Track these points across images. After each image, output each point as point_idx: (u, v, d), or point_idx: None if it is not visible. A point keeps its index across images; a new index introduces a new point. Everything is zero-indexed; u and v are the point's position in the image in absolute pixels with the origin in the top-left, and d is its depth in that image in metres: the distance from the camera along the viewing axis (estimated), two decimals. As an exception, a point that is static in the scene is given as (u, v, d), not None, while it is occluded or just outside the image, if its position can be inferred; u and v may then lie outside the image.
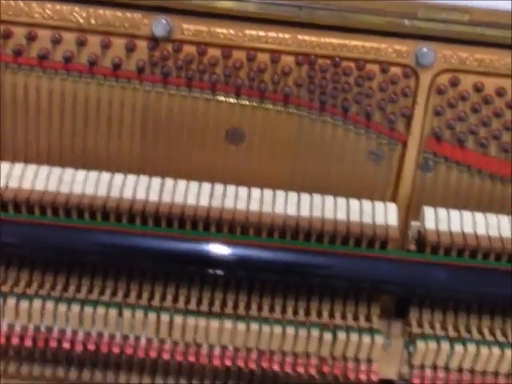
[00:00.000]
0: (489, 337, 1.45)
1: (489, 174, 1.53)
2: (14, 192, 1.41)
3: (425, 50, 1.45)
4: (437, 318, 1.46)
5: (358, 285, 1.39)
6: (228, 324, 1.39)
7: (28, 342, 1.38)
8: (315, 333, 1.40)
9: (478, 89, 1.47)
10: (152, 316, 1.39)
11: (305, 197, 1.43)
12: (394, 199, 1.52)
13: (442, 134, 1.50)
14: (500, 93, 1.47)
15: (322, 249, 1.39)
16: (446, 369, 1.44)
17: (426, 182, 1.53)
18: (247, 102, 1.49)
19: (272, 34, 1.45)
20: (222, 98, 1.49)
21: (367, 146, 1.51)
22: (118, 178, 1.42)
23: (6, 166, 1.42)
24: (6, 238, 1.33)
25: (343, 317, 1.45)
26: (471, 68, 1.47)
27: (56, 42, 1.43)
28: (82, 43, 1.44)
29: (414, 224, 1.49)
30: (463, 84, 1.48)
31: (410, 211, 1.53)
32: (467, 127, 1.49)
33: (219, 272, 1.37)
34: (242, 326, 1.39)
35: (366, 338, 1.39)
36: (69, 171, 1.43)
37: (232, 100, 1.49)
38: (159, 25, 1.42)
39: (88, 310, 1.38)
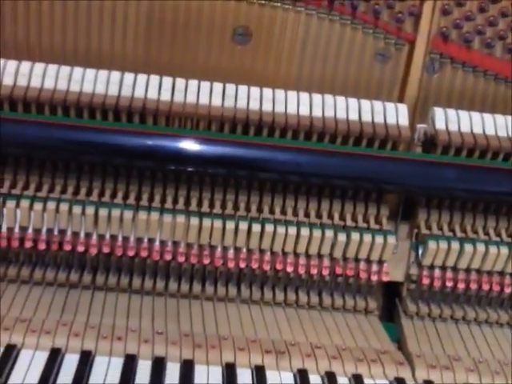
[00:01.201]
0: (495, 237, 1.44)
1: (494, 75, 1.50)
2: (23, 90, 1.34)
3: None
4: (444, 220, 1.45)
5: (374, 185, 1.37)
6: (243, 226, 1.35)
7: (42, 246, 1.32)
8: (329, 233, 1.38)
9: (485, -12, 1.44)
10: (167, 218, 1.36)
11: (317, 97, 1.39)
12: (400, 101, 1.50)
13: (449, 34, 1.47)
14: (507, -8, 1.44)
15: (333, 149, 1.36)
16: (455, 269, 1.43)
17: (432, 84, 1.51)
18: (254, 0, 1.42)
19: None
20: (229, -4, 1.42)
21: (375, 47, 1.48)
22: (129, 77, 1.36)
23: (12, 63, 1.35)
24: (14, 137, 1.26)
25: (354, 219, 1.42)
26: (480, -34, 1.43)
27: None
28: None
29: (420, 126, 1.47)
30: (471, -17, 1.44)
31: (416, 113, 1.50)
32: (474, 27, 1.47)
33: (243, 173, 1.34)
34: (256, 226, 1.37)
35: (379, 239, 1.40)
36: (78, 70, 1.38)
37: (239, -3, 1.42)
38: None
39: (103, 212, 1.34)
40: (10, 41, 1.43)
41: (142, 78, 1.37)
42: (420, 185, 1.37)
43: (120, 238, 1.36)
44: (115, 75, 1.37)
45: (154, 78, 1.37)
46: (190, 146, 1.31)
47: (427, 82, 1.52)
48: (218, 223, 1.36)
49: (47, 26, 1.43)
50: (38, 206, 1.33)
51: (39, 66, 1.36)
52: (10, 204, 1.33)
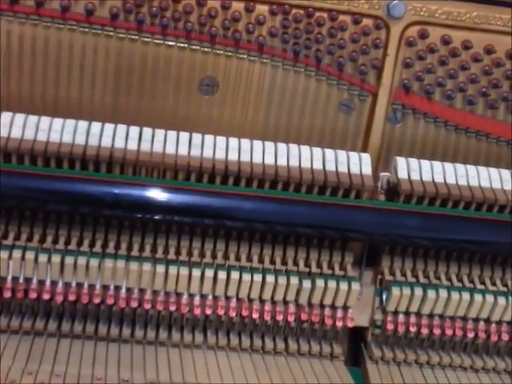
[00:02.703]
0: (457, 283, 1.47)
1: (454, 125, 1.54)
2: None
3: (396, 1, 1.46)
4: (407, 266, 1.48)
5: (339, 233, 1.40)
6: (209, 273, 1.38)
7: (7, 294, 1.33)
8: (294, 280, 1.40)
9: (445, 41, 1.50)
10: (133, 265, 1.38)
11: (282, 146, 1.43)
12: (364, 150, 1.54)
13: (411, 86, 1.52)
14: (466, 46, 1.51)
15: (298, 198, 1.39)
16: (418, 314, 1.46)
17: (395, 134, 1.55)
18: (221, 51, 1.46)
19: (247, -17, 1.42)
20: (196, 47, 1.46)
21: (339, 97, 1.52)
22: (96, 126, 1.38)
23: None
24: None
25: (319, 265, 1.44)
26: (439, 21, 1.49)
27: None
28: (54, -12, 1.38)
29: (383, 175, 1.51)
30: (432, 36, 1.50)
31: (379, 162, 1.54)
32: (435, 79, 1.51)
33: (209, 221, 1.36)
34: (222, 274, 1.38)
35: (344, 285, 1.42)
36: (45, 119, 1.40)
37: (206, 49, 1.46)
38: (134, -30, 1.38)
39: (69, 260, 1.36)
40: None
41: (108, 127, 1.39)
42: (383, 233, 1.41)
43: (86, 286, 1.36)
44: (82, 124, 1.38)
45: (121, 128, 1.39)
46: (156, 194, 1.33)
47: (390, 131, 1.55)
48: (184, 271, 1.37)
49: (16, 76, 1.43)
50: (3, 254, 1.33)
51: (6, 116, 1.37)
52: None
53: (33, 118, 1.37)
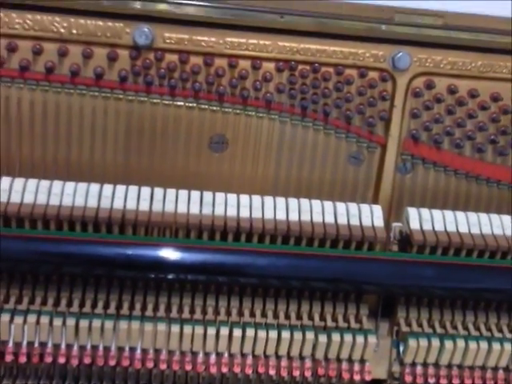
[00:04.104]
0: (474, 332, 1.47)
1: (464, 173, 1.54)
2: (2, 206, 1.37)
3: (401, 53, 1.47)
4: (423, 316, 1.48)
5: (354, 286, 1.40)
6: (224, 331, 1.37)
7: (23, 359, 1.33)
8: (310, 335, 1.40)
9: (451, 91, 1.51)
10: (148, 326, 1.38)
11: (293, 201, 1.43)
12: (375, 201, 1.54)
13: (419, 136, 1.52)
14: (472, 94, 1.51)
15: (311, 252, 1.39)
16: (436, 365, 1.45)
17: (405, 184, 1.55)
18: (230, 109, 1.48)
19: (253, 41, 1.46)
20: (204, 106, 1.47)
21: (348, 150, 1.53)
22: (107, 188, 1.40)
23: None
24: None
25: (334, 319, 1.44)
26: (445, 71, 1.51)
27: (37, 52, 1.41)
28: (63, 53, 1.43)
29: (396, 225, 1.51)
30: (438, 87, 1.52)
31: (391, 213, 1.54)
32: (443, 128, 1.52)
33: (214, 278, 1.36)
34: (237, 331, 1.38)
35: (360, 338, 1.41)
36: (57, 183, 1.41)
37: (215, 107, 1.47)
38: (141, 33, 1.42)
39: (83, 323, 1.37)
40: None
41: (120, 188, 1.40)
42: (399, 284, 1.40)
43: (101, 348, 1.36)
44: (94, 187, 1.39)
45: (133, 189, 1.40)
46: (169, 254, 1.34)
47: (400, 181, 1.56)
48: (199, 329, 1.37)
49: (28, 141, 1.45)
50: (18, 319, 1.35)
51: (19, 182, 1.39)
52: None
53: (45, 183, 1.39)
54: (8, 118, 1.46)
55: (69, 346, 1.37)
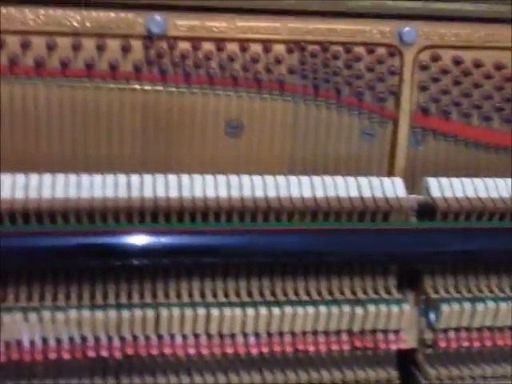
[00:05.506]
0: (500, 294, 1.49)
1: (474, 142, 1.58)
2: (22, 202, 1.35)
3: (407, 28, 1.50)
4: (450, 283, 1.50)
5: (388, 258, 1.42)
6: (263, 310, 1.38)
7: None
8: (346, 309, 1.41)
9: (457, 62, 1.54)
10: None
11: (317, 179, 1.44)
12: (390, 175, 1.56)
13: (429, 108, 1.54)
14: (477, 64, 1.55)
15: (345, 227, 1.41)
16: (468, 329, 1.48)
17: (417, 156, 1.57)
18: (244, 94, 1.48)
19: (263, 24, 1.46)
20: (219, 92, 1.47)
21: (360, 126, 1.55)
22: (135, 178, 1.39)
23: (8, 177, 1.36)
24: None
25: (364, 292, 1.45)
26: (450, 43, 1.54)
27: (51, 47, 1.39)
28: (77, 47, 1.40)
29: (412, 197, 1.52)
30: (444, 59, 1.55)
31: (407, 185, 1.57)
32: (451, 99, 1.55)
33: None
34: (276, 310, 1.38)
35: (395, 308, 1.42)
36: (85, 177, 1.40)
37: (229, 92, 1.48)
38: (154, 22, 1.42)
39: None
40: (7, 153, 1.44)
41: (147, 178, 1.42)
42: (433, 252, 1.42)
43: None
44: (122, 178, 1.41)
45: (160, 178, 1.42)
46: (216, 239, 1.38)
47: (412, 154, 1.57)
48: (237, 311, 1.41)
49: (45, 137, 1.45)
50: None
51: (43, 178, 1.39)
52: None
53: (72, 177, 1.39)
54: (26, 115, 1.45)
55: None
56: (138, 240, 1.33)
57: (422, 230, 1.43)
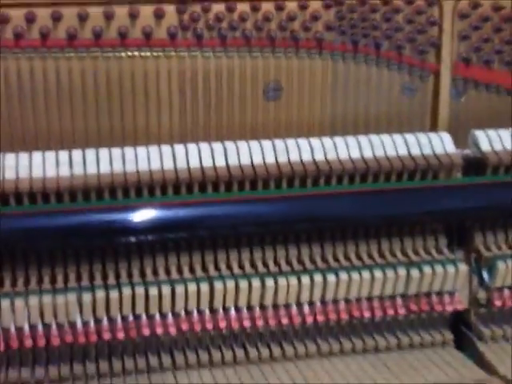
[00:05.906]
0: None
1: (517, 91, 1.53)
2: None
3: (445, -23, 1.43)
4: (500, 239, 1.46)
5: (442, 216, 1.38)
6: (318, 278, 1.34)
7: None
8: (402, 272, 1.37)
9: (496, 8, 1.47)
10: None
11: (364, 139, 1.39)
12: (433, 129, 1.51)
13: (470, 58, 1.49)
14: (518, 9, 1.48)
15: (397, 187, 1.36)
16: (523, 286, 1.44)
17: (459, 109, 1.52)
18: (281, 54, 1.43)
19: (299, -19, 1.39)
20: (256, 54, 1.42)
21: (401, 81, 1.50)
22: (179, 148, 1.36)
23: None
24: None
25: (416, 253, 1.41)
26: (488, -11, 1.46)
27: (83, 18, 1.32)
28: (109, 16, 1.33)
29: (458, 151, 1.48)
30: (483, 6, 1.48)
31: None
32: (492, 48, 1.49)
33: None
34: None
35: (451, 268, 1.38)
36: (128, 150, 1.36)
37: (267, 54, 1.42)
38: (187, -15, 1.34)
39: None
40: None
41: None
42: (489, 207, 1.37)
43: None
44: (166, 149, 1.37)
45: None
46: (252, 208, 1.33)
47: (454, 107, 1.52)
48: (292, 280, 1.36)
49: (66, 111, 1.40)
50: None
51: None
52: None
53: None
54: (47, 88, 1.39)
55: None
56: (203, 211, 1.33)
57: (475, 185, 1.36)
